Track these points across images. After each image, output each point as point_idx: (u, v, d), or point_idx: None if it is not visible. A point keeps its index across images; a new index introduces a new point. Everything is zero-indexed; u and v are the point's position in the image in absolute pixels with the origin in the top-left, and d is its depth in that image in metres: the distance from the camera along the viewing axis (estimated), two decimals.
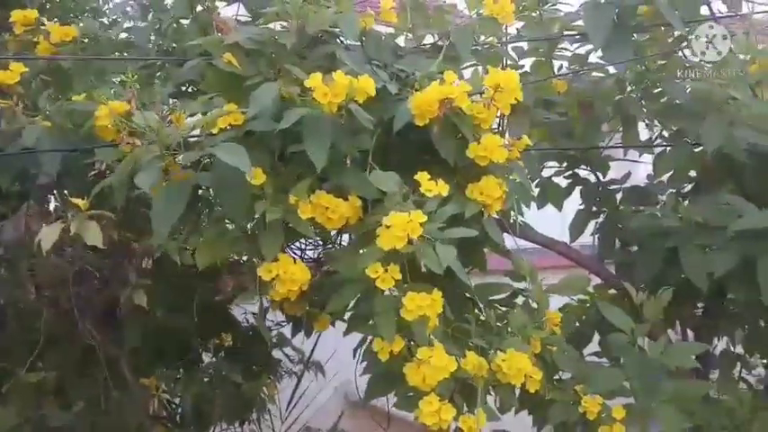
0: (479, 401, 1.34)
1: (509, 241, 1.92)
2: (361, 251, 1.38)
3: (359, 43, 1.61)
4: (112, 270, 1.84)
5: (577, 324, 2.29)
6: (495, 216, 1.59)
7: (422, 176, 1.37)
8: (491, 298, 1.86)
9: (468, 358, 1.36)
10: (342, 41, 1.59)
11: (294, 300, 1.43)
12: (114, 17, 1.97)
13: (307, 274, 1.35)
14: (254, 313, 2.50)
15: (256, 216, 1.31)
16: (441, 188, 1.36)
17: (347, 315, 1.52)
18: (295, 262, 1.35)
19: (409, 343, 1.36)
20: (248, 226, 1.37)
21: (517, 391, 1.58)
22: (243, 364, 2.39)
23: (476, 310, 1.85)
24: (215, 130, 1.33)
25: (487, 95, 1.49)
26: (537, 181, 2.40)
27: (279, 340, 2.60)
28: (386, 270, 1.27)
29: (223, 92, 1.41)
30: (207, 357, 2.40)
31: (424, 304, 1.26)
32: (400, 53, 1.70)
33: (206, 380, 2.24)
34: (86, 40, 1.81)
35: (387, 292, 1.30)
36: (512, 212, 1.80)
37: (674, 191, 2.24)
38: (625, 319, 1.85)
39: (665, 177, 2.36)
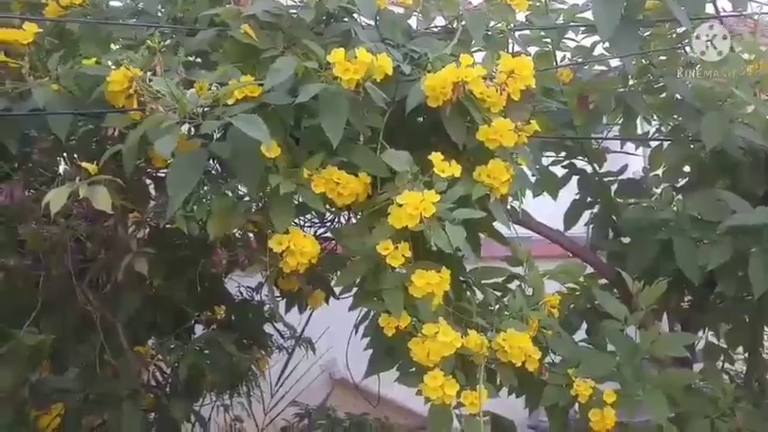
0: (481, 378, 1.37)
1: (504, 227, 1.95)
2: (370, 228, 1.39)
3: (373, 22, 1.62)
4: (111, 238, 1.83)
5: (566, 313, 2.34)
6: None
7: (435, 157, 1.39)
8: (488, 281, 1.89)
9: (470, 336, 1.39)
10: (356, 19, 1.59)
11: (291, 275, 1.44)
12: None
13: (317, 247, 1.36)
14: (248, 287, 2.53)
15: (270, 188, 1.32)
16: (453, 169, 1.39)
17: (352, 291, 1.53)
18: (305, 234, 1.37)
19: (413, 320, 1.38)
20: (261, 198, 1.38)
21: None
22: (235, 337, 2.40)
23: (473, 293, 1.88)
24: (230, 101, 1.33)
25: (499, 80, 1.51)
26: (534, 169, 2.43)
27: (271, 315, 2.61)
28: (396, 247, 1.29)
29: (239, 63, 1.41)
30: (199, 330, 2.41)
31: (433, 282, 1.29)
32: (413, 34, 1.71)
33: (198, 350, 2.24)
34: (95, 4, 1.79)
35: (395, 270, 1.32)
36: (510, 198, 1.83)
37: (669, 185, 2.28)
38: (619, 306, 1.89)
39: (660, 171, 2.42)
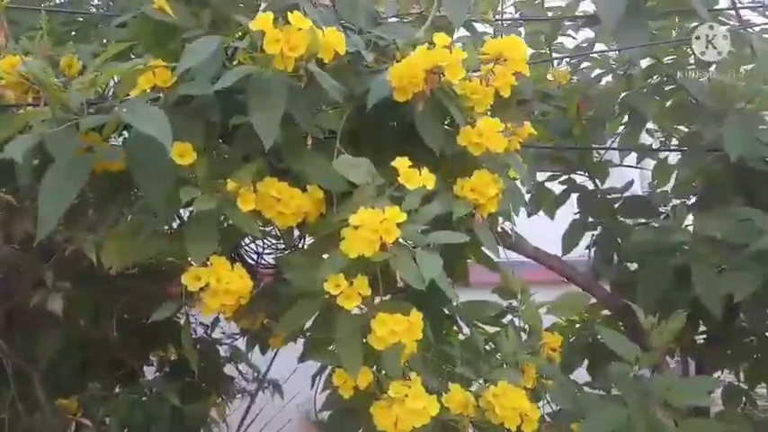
0: None
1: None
2: (322, 257, 1.08)
3: (328, 2, 1.32)
4: (25, 269, 1.52)
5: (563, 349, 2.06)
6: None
7: (401, 163, 1.08)
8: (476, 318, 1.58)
9: (451, 393, 1.08)
10: None
11: (238, 312, 1.13)
12: None
13: (247, 283, 1.04)
14: (202, 323, 2.21)
15: (183, 206, 1.00)
16: (425, 179, 1.08)
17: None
18: (233, 267, 1.05)
19: (379, 373, 1.06)
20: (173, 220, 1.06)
21: None
22: (189, 381, 2.09)
23: (457, 332, 1.58)
24: (134, 93, 1.03)
25: (485, 70, 1.21)
26: (528, 185, 2.15)
27: (233, 355, 2.31)
28: (351, 283, 0.98)
29: (152, 48, 1.11)
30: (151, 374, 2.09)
31: (399, 329, 0.97)
32: (379, 21, 1.41)
33: (143, 399, 1.92)
34: None
35: (353, 311, 1.01)
36: (500, 218, 1.54)
37: (681, 201, 1.99)
38: (629, 346, 1.59)
39: (668, 187, 2.14)
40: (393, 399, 1.00)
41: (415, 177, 1.06)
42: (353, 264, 0.98)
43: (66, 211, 0.98)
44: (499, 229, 1.62)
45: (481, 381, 1.19)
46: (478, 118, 1.21)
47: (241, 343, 2.08)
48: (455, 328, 1.56)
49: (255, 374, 2.37)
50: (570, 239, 2.18)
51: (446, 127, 1.28)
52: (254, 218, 1.05)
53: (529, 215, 2.21)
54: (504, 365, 1.29)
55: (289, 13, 0.99)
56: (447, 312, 1.62)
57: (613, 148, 2.12)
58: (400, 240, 0.97)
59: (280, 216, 1.07)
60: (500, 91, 1.24)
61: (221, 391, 2.23)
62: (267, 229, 1.47)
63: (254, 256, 1.88)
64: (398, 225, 0.96)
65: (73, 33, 1.22)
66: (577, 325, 2.20)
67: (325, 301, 1.02)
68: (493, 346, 1.42)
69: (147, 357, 1.97)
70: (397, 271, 0.96)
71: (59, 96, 0.92)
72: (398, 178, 1.05)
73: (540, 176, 2.19)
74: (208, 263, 1.03)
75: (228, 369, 2.29)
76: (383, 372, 1.08)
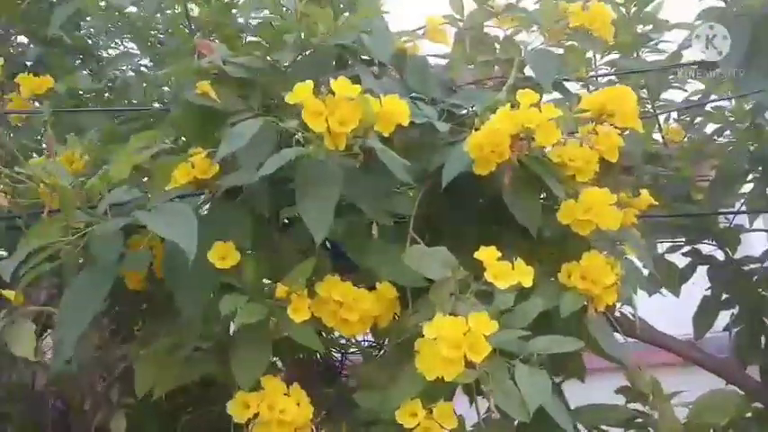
0: None
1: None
2: (400, 372, 0.87)
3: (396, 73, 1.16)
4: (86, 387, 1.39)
5: None
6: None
7: (487, 254, 0.86)
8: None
9: None
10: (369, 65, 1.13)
11: None
12: None
13: (305, 411, 0.83)
14: None
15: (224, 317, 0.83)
16: (521, 272, 0.85)
17: None
18: (289, 389, 0.85)
19: None
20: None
21: None
22: None
23: None
24: (169, 187, 0.89)
25: (584, 131, 1.00)
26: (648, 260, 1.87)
27: None
28: (430, 412, 0.76)
29: (196, 138, 0.98)
30: None
31: None
32: (454, 89, 1.24)
33: None
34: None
35: None
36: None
37: None
38: None
39: None
40: None
41: (506, 272, 0.83)
42: (433, 387, 0.76)
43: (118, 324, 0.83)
44: (617, 314, 1.35)
45: None
46: (581, 189, 0.99)
47: None
48: None
49: None
50: (703, 320, 1.85)
51: (542, 201, 1.07)
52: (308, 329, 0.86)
53: (650, 294, 1.90)
54: None
55: (332, 80, 0.83)
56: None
57: (745, 212, 1.81)
58: (494, 351, 0.74)
59: (344, 325, 0.88)
60: (605, 155, 1.02)
61: None
62: None
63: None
64: (487, 336, 0.74)
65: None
66: (722, 423, 1.85)
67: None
68: None
69: None
70: (491, 398, 0.73)
71: (70, 198, 0.79)
72: (485, 274, 0.83)
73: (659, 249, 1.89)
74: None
75: None
76: None
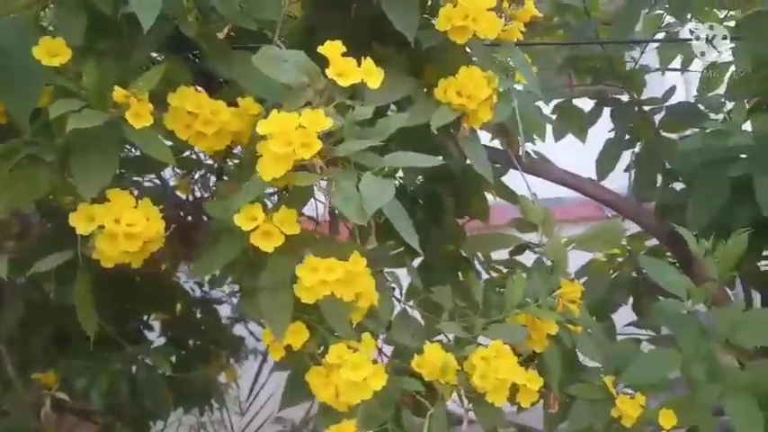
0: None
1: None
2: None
3: None
4: None
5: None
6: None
7: (331, 48, 0.78)
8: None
9: (424, 356, 0.82)
10: None
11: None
12: None
13: (156, 225, 0.80)
14: (197, 282, 2.04)
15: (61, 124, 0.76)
16: (368, 72, 0.79)
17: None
18: (137, 202, 0.80)
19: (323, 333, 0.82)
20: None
21: None
22: (193, 344, 1.94)
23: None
24: None
25: None
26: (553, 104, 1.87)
27: (240, 314, 2.16)
28: (270, 217, 0.73)
29: None
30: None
31: (331, 279, 0.71)
32: None
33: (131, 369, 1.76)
34: None
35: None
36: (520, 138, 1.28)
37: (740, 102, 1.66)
38: (678, 278, 1.31)
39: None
40: (331, 366, 0.76)
41: (352, 69, 0.77)
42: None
43: None
44: (519, 151, 1.35)
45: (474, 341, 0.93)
46: None
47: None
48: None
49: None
50: (605, 161, 1.89)
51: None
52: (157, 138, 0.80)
53: (556, 139, 1.92)
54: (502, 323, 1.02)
55: None
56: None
57: (651, 41, 1.79)
58: (336, 158, 0.71)
59: (199, 138, 0.82)
60: None
61: (230, 354, 2.08)
62: None
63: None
64: (320, 134, 0.69)
65: None
66: (620, 259, 1.94)
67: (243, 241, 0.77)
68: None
69: (127, 322, 1.79)
70: (330, 198, 0.70)
71: None
72: (326, 71, 0.77)
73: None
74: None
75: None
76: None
